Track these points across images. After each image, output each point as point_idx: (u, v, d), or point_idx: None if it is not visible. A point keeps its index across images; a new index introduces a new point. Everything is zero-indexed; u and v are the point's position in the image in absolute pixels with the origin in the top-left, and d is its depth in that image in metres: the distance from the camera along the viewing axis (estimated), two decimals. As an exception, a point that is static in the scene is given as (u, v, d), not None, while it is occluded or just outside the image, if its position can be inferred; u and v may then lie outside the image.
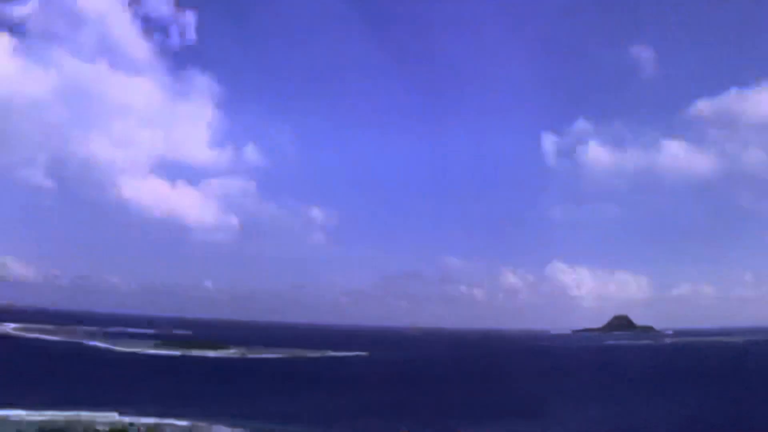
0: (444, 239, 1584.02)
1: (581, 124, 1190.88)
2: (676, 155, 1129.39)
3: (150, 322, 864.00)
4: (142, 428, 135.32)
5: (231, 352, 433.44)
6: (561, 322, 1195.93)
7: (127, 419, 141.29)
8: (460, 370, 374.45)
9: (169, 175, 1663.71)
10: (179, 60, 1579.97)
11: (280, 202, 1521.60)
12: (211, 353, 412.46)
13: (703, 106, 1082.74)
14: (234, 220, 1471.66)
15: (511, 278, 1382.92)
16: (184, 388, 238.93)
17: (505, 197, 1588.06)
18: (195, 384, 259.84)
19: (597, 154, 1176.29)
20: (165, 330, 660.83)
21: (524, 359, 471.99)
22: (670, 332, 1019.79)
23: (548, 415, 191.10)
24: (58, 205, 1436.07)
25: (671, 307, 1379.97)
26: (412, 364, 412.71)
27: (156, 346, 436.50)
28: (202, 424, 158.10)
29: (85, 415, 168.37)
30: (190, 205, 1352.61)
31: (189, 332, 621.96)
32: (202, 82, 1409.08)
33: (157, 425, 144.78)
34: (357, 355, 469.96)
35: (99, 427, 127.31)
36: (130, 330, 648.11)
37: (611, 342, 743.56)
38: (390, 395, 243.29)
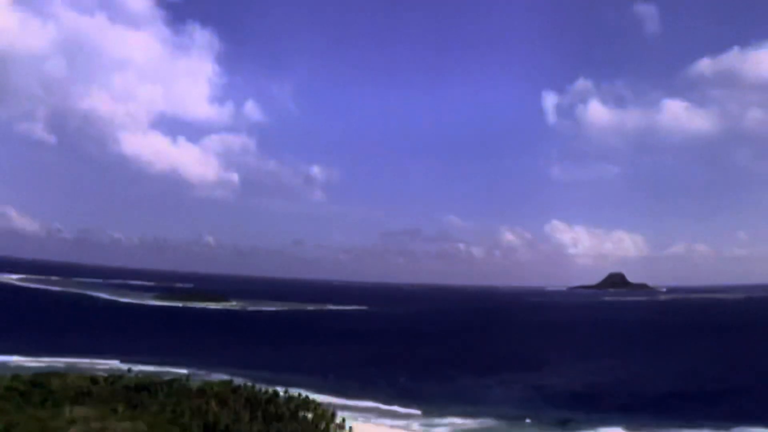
0: (444, 197, 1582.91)
1: (582, 83, 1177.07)
2: (677, 115, 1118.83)
3: (152, 275, 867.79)
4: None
5: (231, 305, 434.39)
6: (557, 280, 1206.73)
7: (126, 367, 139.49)
8: (459, 324, 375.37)
9: (169, 131, 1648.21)
10: (179, 13, 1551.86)
11: (280, 160, 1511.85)
12: (212, 305, 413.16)
13: (704, 65, 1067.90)
14: (234, 177, 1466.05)
15: (509, 236, 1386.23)
16: (185, 339, 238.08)
17: (505, 156, 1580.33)
18: (195, 334, 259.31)
19: (597, 113, 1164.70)
20: (167, 283, 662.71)
21: (521, 314, 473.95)
22: (664, 289, 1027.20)
23: (546, 367, 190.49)
24: (60, 159, 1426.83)
25: (666, 266, 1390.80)
26: (411, 318, 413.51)
27: (157, 298, 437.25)
28: (201, 372, 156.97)
29: (84, 361, 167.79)
30: (191, 162, 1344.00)
31: (190, 285, 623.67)
32: (203, 37, 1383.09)
33: (155, 373, 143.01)
34: (356, 309, 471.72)
35: (98, 373, 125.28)
36: (132, 282, 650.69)
37: (606, 298, 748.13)
38: (389, 347, 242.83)
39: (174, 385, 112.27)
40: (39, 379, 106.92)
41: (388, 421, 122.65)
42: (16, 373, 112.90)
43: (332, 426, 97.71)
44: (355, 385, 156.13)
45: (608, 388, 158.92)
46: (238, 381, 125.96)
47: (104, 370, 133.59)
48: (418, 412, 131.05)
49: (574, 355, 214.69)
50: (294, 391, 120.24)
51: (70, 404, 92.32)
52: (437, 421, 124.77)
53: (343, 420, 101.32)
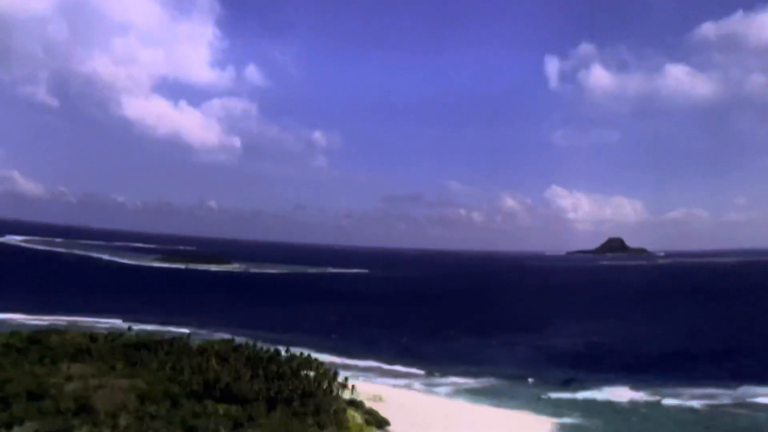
0: (445, 163, 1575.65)
1: (585, 48, 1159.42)
2: (679, 79, 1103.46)
3: (155, 238, 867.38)
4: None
5: (234, 267, 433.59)
6: (556, 245, 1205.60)
7: (126, 326, 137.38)
8: (460, 287, 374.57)
9: (171, 95, 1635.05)
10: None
11: (282, 124, 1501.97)
12: (214, 267, 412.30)
13: (708, 29, 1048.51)
14: (236, 142, 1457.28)
15: (509, 202, 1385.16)
16: (187, 300, 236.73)
17: (507, 122, 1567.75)
18: (197, 295, 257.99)
19: (600, 77, 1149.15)
20: (170, 247, 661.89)
21: (522, 278, 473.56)
22: (662, 254, 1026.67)
23: (548, 328, 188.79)
24: (62, 122, 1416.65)
25: (664, 231, 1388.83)
26: (412, 281, 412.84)
27: (159, 260, 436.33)
28: (202, 331, 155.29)
29: (86, 320, 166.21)
30: (193, 126, 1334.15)
31: (193, 249, 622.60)
32: (203, 0, 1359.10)
33: (156, 332, 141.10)
34: (358, 273, 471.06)
35: (98, 332, 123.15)
36: (135, 245, 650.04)
37: (605, 262, 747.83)
38: (391, 309, 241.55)
39: (174, 343, 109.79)
40: (37, 336, 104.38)
41: (391, 381, 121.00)
42: (15, 330, 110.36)
43: (335, 384, 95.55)
44: (357, 345, 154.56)
45: (611, 348, 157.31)
46: (240, 340, 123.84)
47: (105, 329, 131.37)
48: (420, 371, 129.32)
49: (576, 317, 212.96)
50: (296, 350, 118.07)
51: (68, 361, 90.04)
52: (439, 380, 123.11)
53: (346, 379, 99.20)
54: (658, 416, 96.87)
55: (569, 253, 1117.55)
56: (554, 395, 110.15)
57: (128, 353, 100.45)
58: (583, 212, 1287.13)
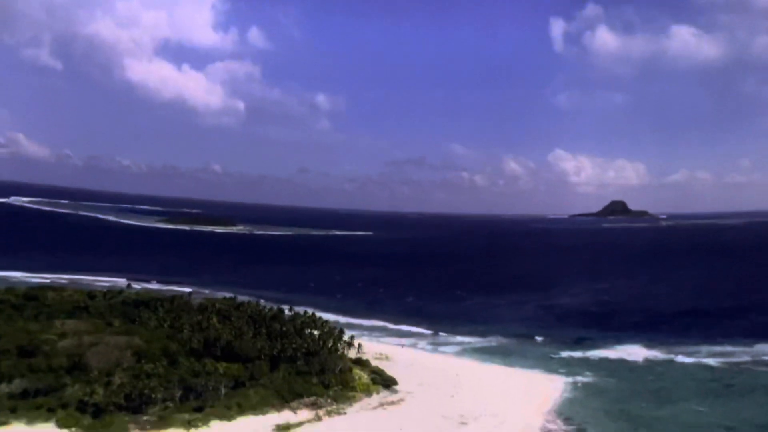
0: (449, 126, 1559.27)
1: (591, 9, 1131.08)
2: (685, 41, 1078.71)
3: (160, 201, 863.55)
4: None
5: (238, 229, 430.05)
6: (558, 208, 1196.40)
7: (125, 282, 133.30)
8: (465, 249, 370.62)
9: (174, 58, 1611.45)
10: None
11: (285, 87, 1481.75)
12: (218, 229, 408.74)
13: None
14: (240, 105, 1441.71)
15: (512, 165, 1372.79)
16: (190, 260, 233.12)
17: (511, 84, 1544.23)
18: (201, 256, 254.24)
19: (605, 39, 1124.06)
20: (175, 209, 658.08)
21: (526, 239, 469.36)
22: (664, 216, 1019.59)
23: (555, 288, 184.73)
24: (66, 85, 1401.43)
25: (666, 193, 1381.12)
26: (417, 243, 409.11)
27: (164, 221, 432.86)
28: (205, 291, 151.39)
29: (87, 278, 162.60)
30: (196, 89, 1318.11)
31: (198, 211, 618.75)
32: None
33: (158, 291, 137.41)
34: (362, 235, 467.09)
35: (98, 289, 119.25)
36: (141, 207, 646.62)
37: (607, 225, 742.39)
38: (396, 269, 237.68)
39: (175, 301, 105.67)
40: (33, 293, 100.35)
41: (397, 340, 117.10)
42: (11, 287, 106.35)
43: (340, 343, 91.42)
44: (362, 305, 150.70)
45: (621, 307, 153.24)
46: (243, 299, 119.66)
47: (106, 288, 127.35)
48: (427, 331, 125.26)
49: (583, 277, 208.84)
50: (300, 310, 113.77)
51: (65, 318, 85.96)
52: (446, 339, 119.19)
53: (352, 337, 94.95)
54: (675, 374, 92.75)
55: (571, 216, 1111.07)
56: (565, 354, 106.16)
57: (127, 311, 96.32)
58: (585, 175, 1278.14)
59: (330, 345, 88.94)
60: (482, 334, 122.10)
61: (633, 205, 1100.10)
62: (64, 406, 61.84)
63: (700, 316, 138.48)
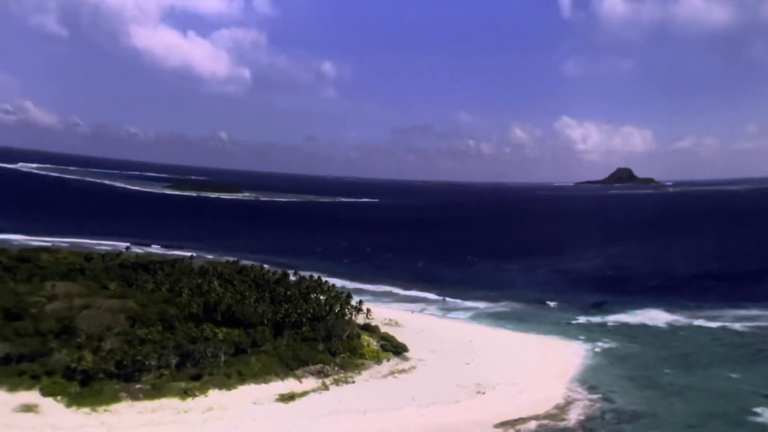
0: (455, 93, 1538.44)
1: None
2: (695, 6, 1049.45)
3: (168, 169, 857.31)
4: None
5: (245, 195, 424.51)
6: (564, 176, 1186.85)
7: (124, 245, 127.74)
8: (473, 214, 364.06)
9: (179, 25, 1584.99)
10: None
11: (291, 55, 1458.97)
12: (225, 195, 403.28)
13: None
14: (246, 73, 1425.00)
15: (518, 133, 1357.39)
16: (196, 225, 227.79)
17: (518, 51, 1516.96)
18: (207, 221, 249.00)
19: (614, 5, 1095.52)
20: (182, 177, 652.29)
21: (534, 205, 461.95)
22: (670, 184, 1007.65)
23: (568, 253, 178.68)
24: (73, 53, 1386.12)
25: (673, 160, 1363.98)
26: (424, 209, 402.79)
27: (170, 188, 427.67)
28: (209, 256, 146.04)
29: (89, 242, 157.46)
30: (202, 56, 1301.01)
31: (205, 178, 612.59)
32: None
33: (159, 254, 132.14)
34: (368, 202, 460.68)
35: (97, 252, 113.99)
36: (148, 174, 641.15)
37: (615, 191, 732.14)
38: (403, 235, 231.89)
39: (176, 264, 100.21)
40: (26, 255, 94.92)
41: (407, 306, 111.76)
42: (4, 248, 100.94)
43: (348, 308, 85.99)
44: (370, 271, 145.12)
45: (638, 271, 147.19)
46: (247, 264, 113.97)
47: (106, 251, 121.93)
48: (437, 296, 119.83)
49: (594, 242, 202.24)
50: (306, 275, 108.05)
51: (60, 280, 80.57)
52: (457, 304, 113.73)
53: (360, 302, 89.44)
54: (701, 340, 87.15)
55: (577, 184, 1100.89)
56: (583, 319, 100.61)
57: (124, 274, 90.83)
58: (592, 143, 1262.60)
59: (337, 310, 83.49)
60: (494, 300, 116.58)
61: (639, 173, 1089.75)
62: (49, 373, 56.63)
63: (719, 279, 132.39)
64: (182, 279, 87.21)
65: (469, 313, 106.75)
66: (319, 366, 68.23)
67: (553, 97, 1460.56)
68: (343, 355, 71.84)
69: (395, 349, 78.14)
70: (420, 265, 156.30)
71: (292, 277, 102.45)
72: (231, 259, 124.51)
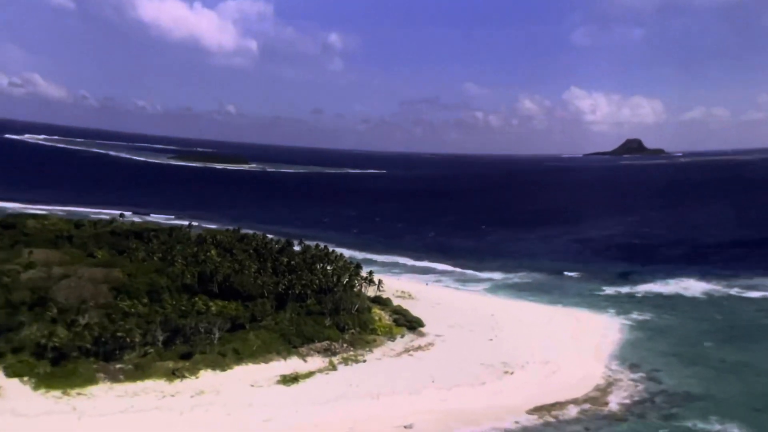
0: (463, 64, 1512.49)
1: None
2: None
3: (175, 142, 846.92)
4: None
5: (251, 166, 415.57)
6: (572, 148, 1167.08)
7: (118, 212, 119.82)
8: (485, 184, 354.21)
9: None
10: None
11: (298, 27, 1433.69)
12: (231, 166, 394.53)
13: None
14: (252, 45, 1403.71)
15: (527, 104, 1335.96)
16: (200, 195, 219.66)
17: (527, 21, 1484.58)
18: (212, 191, 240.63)
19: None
20: (188, 149, 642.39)
21: (547, 176, 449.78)
22: (680, 155, 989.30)
23: (587, 221, 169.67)
24: (79, 25, 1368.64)
25: (683, 131, 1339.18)
26: (433, 179, 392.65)
27: (176, 158, 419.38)
28: (212, 225, 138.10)
29: (86, 210, 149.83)
30: (209, 28, 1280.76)
31: (212, 150, 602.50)
32: None
33: (156, 222, 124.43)
34: (376, 173, 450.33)
35: (89, 220, 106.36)
36: (155, 146, 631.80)
37: (625, 162, 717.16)
38: (414, 205, 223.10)
39: (173, 233, 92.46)
40: (11, 221, 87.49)
41: (420, 276, 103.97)
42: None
43: (357, 279, 78.20)
44: (380, 241, 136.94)
45: (662, 239, 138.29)
46: (249, 232, 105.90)
47: (99, 217, 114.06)
48: (451, 267, 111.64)
49: (611, 211, 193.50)
50: (312, 244, 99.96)
51: (46, 248, 72.94)
52: (473, 275, 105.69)
53: (371, 273, 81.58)
54: (746, 311, 79.17)
55: (586, 155, 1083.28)
56: (610, 290, 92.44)
57: (116, 242, 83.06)
58: (601, 113, 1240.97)
59: (345, 281, 75.67)
60: (511, 270, 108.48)
61: (649, 144, 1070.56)
62: (16, 351, 49.13)
63: (749, 247, 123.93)
64: (176, 247, 79.37)
65: (487, 285, 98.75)
66: (325, 343, 60.52)
67: (562, 67, 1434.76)
68: (353, 330, 64.10)
69: (410, 323, 70.33)
70: (432, 235, 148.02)
71: (296, 247, 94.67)
72: (229, 227, 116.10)
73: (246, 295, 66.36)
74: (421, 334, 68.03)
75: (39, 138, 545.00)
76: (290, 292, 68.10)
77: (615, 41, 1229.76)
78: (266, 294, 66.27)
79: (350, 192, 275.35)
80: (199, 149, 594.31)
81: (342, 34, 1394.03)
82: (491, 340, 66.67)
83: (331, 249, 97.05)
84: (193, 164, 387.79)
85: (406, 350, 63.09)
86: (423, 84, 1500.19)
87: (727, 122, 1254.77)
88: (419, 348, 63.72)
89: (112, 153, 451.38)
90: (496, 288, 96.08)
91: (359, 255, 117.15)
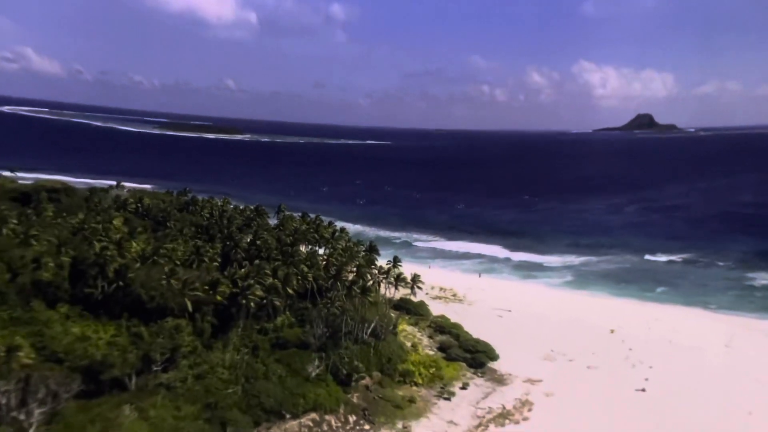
0: (469, 35, 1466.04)
1: None
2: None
3: (173, 117, 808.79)
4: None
5: (245, 136, 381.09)
6: (581, 123, 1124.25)
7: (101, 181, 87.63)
8: (506, 153, 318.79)
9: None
10: None
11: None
12: (223, 136, 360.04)
13: None
14: (252, 16, 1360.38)
15: (535, 77, 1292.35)
16: (187, 164, 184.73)
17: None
18: (198, 160, 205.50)
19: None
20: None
21: (569, 148, 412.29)
22: (692, 130, 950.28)
23: (642, 189, 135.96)
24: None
25: (695, 106, 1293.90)
26: (446, 149, 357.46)
27: (164, 128, 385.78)
28: (203, 195, 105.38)
29: (66, 179, 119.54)
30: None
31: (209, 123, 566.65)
32: None
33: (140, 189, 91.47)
34: (381, 144, 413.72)
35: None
36: (150, 119, 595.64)
37: (642, 136, 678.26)
38: (430, 173, 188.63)
39: (91, 196, 58.65)
40: None
41: (458, 264, 71.29)
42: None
43: (369, 271, 44.77)
44: (394, 214, 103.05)
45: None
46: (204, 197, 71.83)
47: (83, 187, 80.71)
48: (504, 250, 77.50)
49: (672, 177, 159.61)
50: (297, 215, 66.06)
51: None
52: (532, 258, 73.40)
53: (395, 261, 47.94)
54: None
55: (596, 131, 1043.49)
56: (765, 278, 58.76)
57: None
58: (611, 87, 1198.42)
59: (350, 276, 42.02)
60: (590, 252, 76.05)
61: (660, 119, 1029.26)
62: None
63: None
64: (60, 217, 45.54)
65: (566, 275, 65.98)
66: (310, 417, 27.08)
67: (572, 39, 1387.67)
68: (367, 381, 30.56)
69: (471, 355, 37.03)
70: (461, 207, 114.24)
71: (272, 221, 61.15)
72: (226, 196, 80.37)
73: (157, 307, 32.69)
74: (498, 380, 34.94)
75: (24, 109, 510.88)
76: (243, 301, 34.21)
77: (626, 12, 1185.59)
78: (192, 306, 32.43)
79: (354, 161, 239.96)
80: (193, 122, 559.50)
81: (344, 4, 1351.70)
82: (643, 390, 33.21)
83: (327, 222, 63.99)
84: (185, 134, 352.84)
85: (479, 425, 29.69)
86: (427, 56, 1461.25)
87: (740, 96, 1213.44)
88: (504, 417, 30.31)
89: (94, 123, 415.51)
90: (584, 280, 63.52)
91: (369, 231, 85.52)
